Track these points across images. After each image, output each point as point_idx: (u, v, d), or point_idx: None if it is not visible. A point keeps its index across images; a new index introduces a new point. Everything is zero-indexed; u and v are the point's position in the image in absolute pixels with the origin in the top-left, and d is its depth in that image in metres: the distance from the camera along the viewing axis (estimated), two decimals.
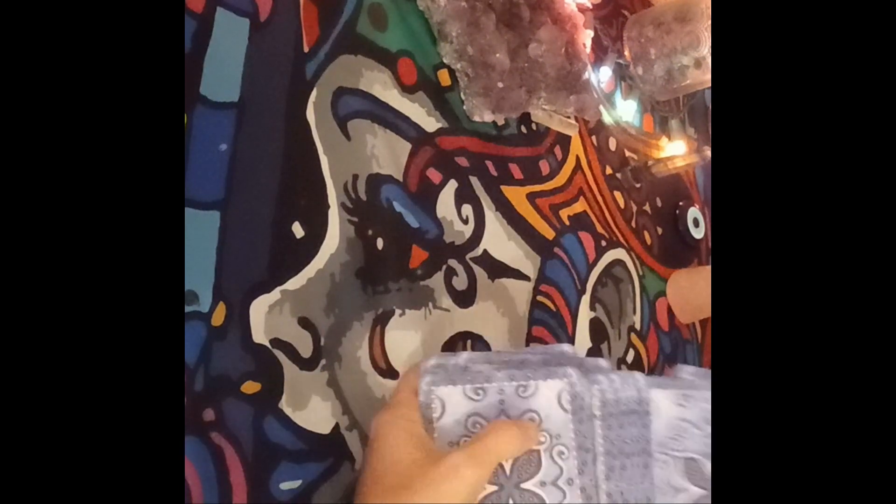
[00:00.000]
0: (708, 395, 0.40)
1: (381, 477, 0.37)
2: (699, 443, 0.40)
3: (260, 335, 0.47)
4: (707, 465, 0.41)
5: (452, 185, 0.63)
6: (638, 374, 0.42)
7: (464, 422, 0.40)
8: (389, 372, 0.54)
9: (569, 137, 0.79)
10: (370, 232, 0.55)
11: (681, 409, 0.40)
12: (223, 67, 0.49)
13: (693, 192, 1.01)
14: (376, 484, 0.37)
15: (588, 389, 0.40)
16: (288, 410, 0.47)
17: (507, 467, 0.39)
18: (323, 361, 0.50)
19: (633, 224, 0.86)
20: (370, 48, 0.59)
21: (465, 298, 0.61)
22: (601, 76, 0.86)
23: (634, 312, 0.82)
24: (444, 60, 0.65)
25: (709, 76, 0.87)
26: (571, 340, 0.72)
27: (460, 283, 0.61)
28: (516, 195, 0.70)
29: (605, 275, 0.79)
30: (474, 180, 0.65)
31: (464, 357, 0.43)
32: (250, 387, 0.46)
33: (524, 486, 0.39)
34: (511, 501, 0.38)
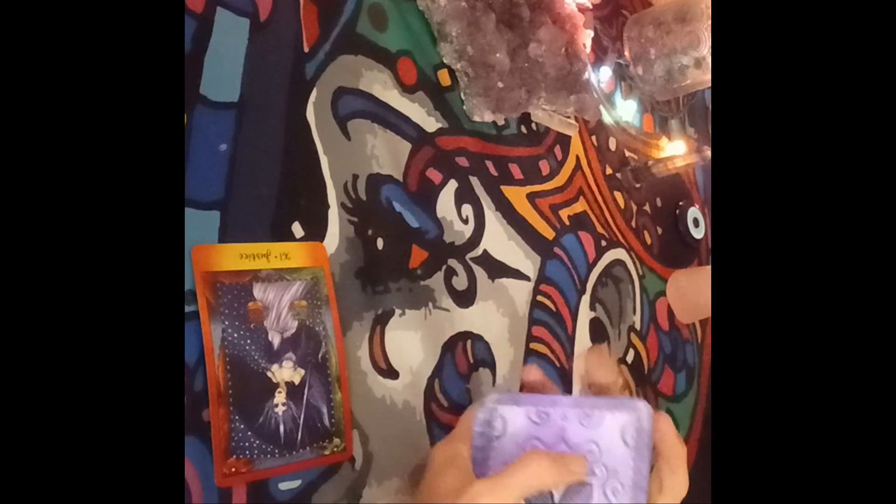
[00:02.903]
0: (565, 412, 0.39)
1: None
2: None
3: None
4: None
5: (452, 185, 0.63)
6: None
7: (522, 444, 0.39)
8: (389, 372, 0.54)
9: (569, 137, 0.79)
10: (370, 232, 0.55)
11: (534, 427, 0.39)
12: (223, 67, 0.49)
13: (693, 192, 1.01)
14: None
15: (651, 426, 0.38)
16: None
17: (557, 495, 0.37)
18: None
19: (633, 224, 0.86)
20: (370, 48, 0.59)
21: (465, 298, 0.61)
22: (601, 76, 0.86)
23: (634, 312, 0.82)
24: (444, 60, 0.65)
25: (709, 76, 0.87)
26: (571, 340, 0.72)
27: (460, 283, 0.61)
28: (516, 195, 0.70)
29: (605, 275, 0.79)
30: (474, 180, 0.65)
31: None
32: None
33: None
34: None
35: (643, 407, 0.38)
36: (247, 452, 0.44)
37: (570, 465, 0.37)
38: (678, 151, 0.91)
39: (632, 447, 0.38)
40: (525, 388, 0.43)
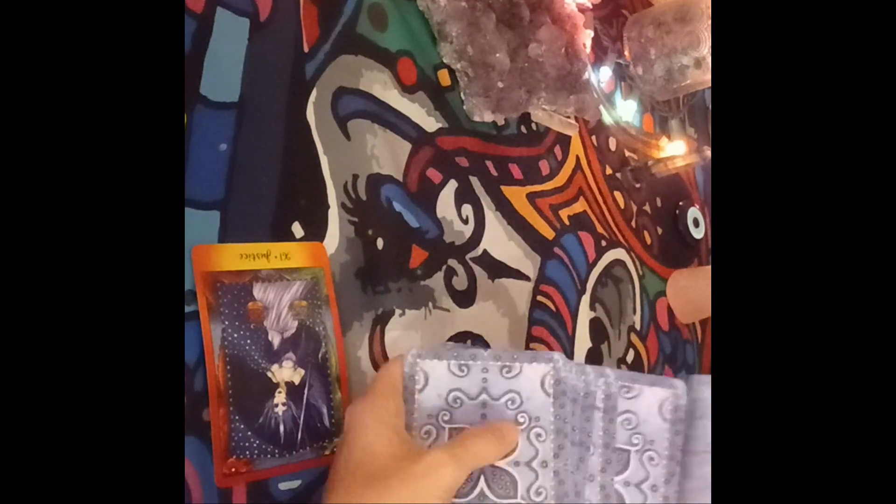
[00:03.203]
0: (486, 364, 0.41)
1: (356, 468, 0.36)
2: (472, 414, 0.40)
3: None
4: None
5: (452, 185, 0.63)
6: (609, 370, 0.43)
7: (445, 396, 0.40)
8: None
9: (569, 137, 0.79)
10: (370, 232, 0.55)
11: (455, 379, 0.41)
12: (223, 67, 0.49)
13: (693, 192, 1.01)
14: (351, 476, 0.36)
15: (574, 376, 0.41)
16: None
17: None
18: None
19: (633, 224, 0.86)
20: (370, 48, 0.59)
21: (465, 298, 0.61)
22: (601, 76, 0.86)
23: (634, 312, 0.82)
24: (444, 60, 0.65)
25: (709, 76, 0.87)
26: (571, 340, 0.72)
27: (460, 283, 0.61)
28: (516, 195, 0.70)
29: (605, 275, 0.79)
30: (474, 180, 0.65)
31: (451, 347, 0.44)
32: None
33: (497, 464, 0.39)
34: (483, 479, 0.39)
35: (559, 357, 0.41)
36: (247, 452, 0.44)
37: (511, 435, 0.39)
38: (678, 151, 0.91)
39: (552, 395, 0.40)
40: None
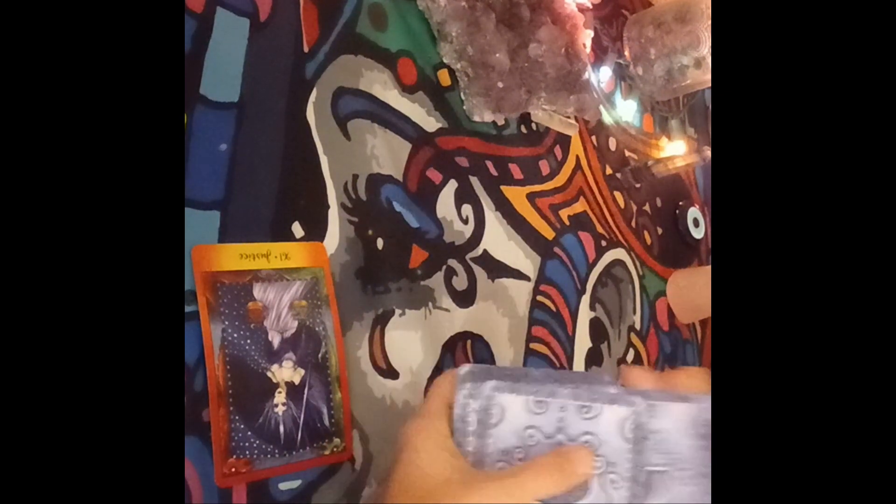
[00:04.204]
0: (564, 402, 0.39)
1: (410, 489, 0.36)
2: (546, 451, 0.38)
3: None
4: None
5: (452, 185, 0.63)
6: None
7: (520, 433, 0.39)
8: (389, 372, 0.54)
9: (569, 137, 0.79)
10: (370, 232, 0.55)
11: (532, 416, 0.39)
12: (223, 67, 0.49)
13: (693, 192, 1.01)
14: (404, 495, 0.36)
15: (650, 419, 0.38)
16: None
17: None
18: None
19: (633, 224, 0.86)
20: (370, 48, 0.59)
21: (465, 298, 0.61)
22: (601, 76, 0.86)
23: (634, 312, 0.82)
24: (444, 60, 0.65)
25: (709, 76, 0.87)
26: (571, 340, 0.72)
27: (460, 283, 0.61)
28: (516, 195, 0.70)
29: (605, 275, 0.79)
30: (474, 180, 0.65)
31: (501, 370, 0.42)
32: None
33: None
34: None
35: (641, 401, 0.38)
36: (247, 452, 0.44)
37: (576, 466, 0.36)
38: (678, 151, 0.91)
39: (631, 440, 0.38)
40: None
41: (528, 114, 0.72)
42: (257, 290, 0.47)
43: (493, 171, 0.68)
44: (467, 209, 0.64)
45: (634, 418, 0.38)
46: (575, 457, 0.37)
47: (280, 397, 0.46)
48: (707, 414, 0.37)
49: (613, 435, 0.38)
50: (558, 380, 0.40)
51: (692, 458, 0.38)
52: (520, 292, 0.67)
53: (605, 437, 0.38)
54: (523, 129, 0.73)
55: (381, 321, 0.54)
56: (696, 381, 0.39)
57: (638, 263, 0.85)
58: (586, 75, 0.74)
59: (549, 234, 0.72)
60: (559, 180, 0.76)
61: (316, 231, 0.51)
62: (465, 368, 0.40)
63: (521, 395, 0.39)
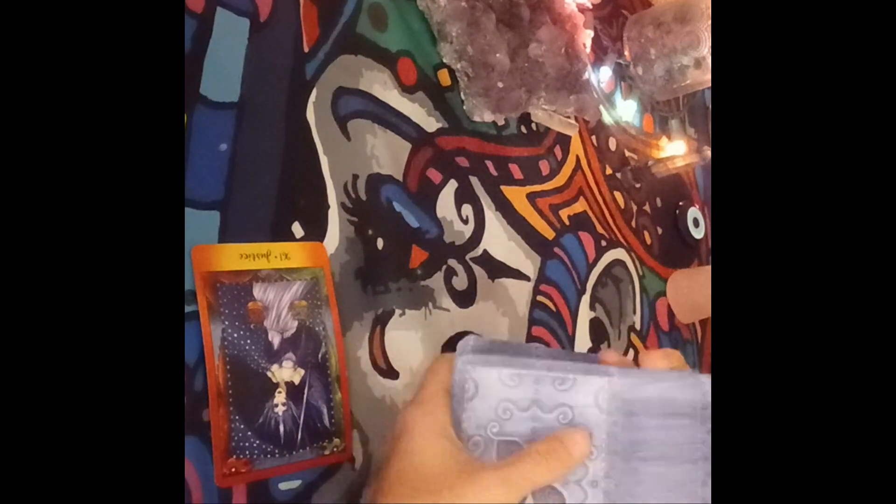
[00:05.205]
0: (539, 375, 0.39)
1: (407, 477, 0.35)
2: (521, 426, 0.38)
3: None
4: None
5: (452, 185, 0.63)
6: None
7: (495, 407, 0.39)
8: (389, 372, 0.54)
9: (569, 137, 0.79)
10: (370, 232, 0.55)
11: (507, 389, 0.39)
12: (223, 67, 0.49)
13: (693, 192, 1.01)
14: (401, 483, 0.35)
15: (629, 390, 0.38)
16: None
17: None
18: None
19: (633, 224, 0.86)
20: (370, 48, 0.59)
21: (465, 298, 0.61)
22: (601, 76, 0.86)
23: (634, 312, 0.82)
24: (444, 60, 0.65)
25: (709, 76, 0.87)
26: (571, 340, 0.72)
27: (460, 283, 0.61)
28: (516, 195, 0.70)
29: (605, 275, 0.79)
30: (474, 180, 0.65)
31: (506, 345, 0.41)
32: None
33: None
34: (530, 495, 0.37)
35: (615, 371, 0.39)
36: (247, 452, 0.44)
37: (572, 451, 0.36)
38: (678, 151, 0.91)
39: (606, 411, 0.38)
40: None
41: (528, 114, 0.72)
42: (257, 290, 0.47)
43: (493, 171, 0.68)
44: (467, 209, 0.64)
45: (609, 388, 0.38)
46: (570, 441, 0.37)
47: (280, 397, 0.46)
48: (673, 394, 0.38)
49: (589, 406, 0.38)
50: (558, 359, 0.40)
51: (654, 439, 0.38)
52: (520, 292, 0.67)
53: (581, 409, 0.38)
54: (523, 129, 0.73)
55: (381, 321, 0.54)
56: (667, 361, 0.40)
57: (638, 263, 0.85)
58: (586, 75, 0.74)
59: (549, 234, 0.72)
60: (559, 180, 0.76)
61: (316, 231, 0.51)
62: (464, 356, 0.40)
63: (495, 368, 0.39)
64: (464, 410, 0.39)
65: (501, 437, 0.38)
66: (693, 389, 0.38)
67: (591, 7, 0.81)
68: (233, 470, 0.43)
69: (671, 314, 0.89)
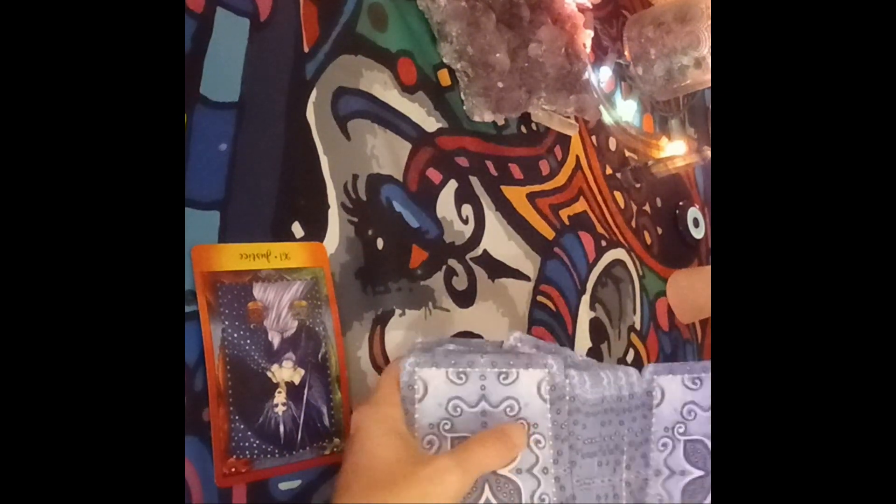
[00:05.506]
0: (483, 371, 0.41)
1: (363, 473, 0.37)
2: (472, 423, 0.40)
3: None
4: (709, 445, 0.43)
5: (452, 185, 0.63)
6: (631, 370, 0.43)
7: (445, 405, 0.40)
8: None
9: (569, 137, 0.79)
10: (370, 232, 0.55)
11: (454, 387, 0.41)
12: (223, 67, 0.49)
13: (693, 192, 1.01)
14: (357, 480, 0.37)
15: (571, 382, 0.41)
16: None
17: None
18: None
19: (633, 224, 0.86)
20: (370, 48, 0.59)
21: (465, 298, 0.61)
22: (601, 76, 0.86)
23: (634, 312, 0.82)
24: (444, 60, 0.65)
25: (709, 76, 0.87)
26: (571, 340, 0.72)
27: (460, 283, 0.61)
28: (516, 195, 0.70)
29: (605, 275, 0.79)
30: (474, 180, 0.65)
31: (450, 343, 0.43)
32: None
33: (500, 472, 0.39)
34: (487, 487, 0.39)
35: (553, 362, 0.41)
36: (247, 452, 0.44)
37: (514, 439, 0.39)
38: (678, 151, 0.91)
39: (548, 400, 0.40)
40: None
41: (528, 114, 0.72)
42: (257, 290, 0.47)
43: (493, 171, 0.68)
44: (467, 209, 0.64)
45: (549, 379, 0.40)
46: (511, 431, 0.39)
47: (280, 397, 0.46)
48: (554, 379, 0.40)
49: (533, 397, 0.40)
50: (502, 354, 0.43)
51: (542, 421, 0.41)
52: (520, 292, 0.67)
53: (526, 400, 0.40)
54: (523, 129, 0.73)
55: (381, 321, 0.54)
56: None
57: (638, 263, 0.85)
58: (586, 75, 0.74)
59: (549, 234, 0.72)
60: (559, 180, 0.76)
61: (316, 231, 0.51)
62: (411, 358, 0.42)
63: (441, 367, 0.40)
64: (415, 411, 0.40)
65: (454, 433, 0.40)
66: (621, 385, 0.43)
67: (591, 7, 0.81)
68: (233, 470, 0.43)
69: (671, 314, 0.89)
